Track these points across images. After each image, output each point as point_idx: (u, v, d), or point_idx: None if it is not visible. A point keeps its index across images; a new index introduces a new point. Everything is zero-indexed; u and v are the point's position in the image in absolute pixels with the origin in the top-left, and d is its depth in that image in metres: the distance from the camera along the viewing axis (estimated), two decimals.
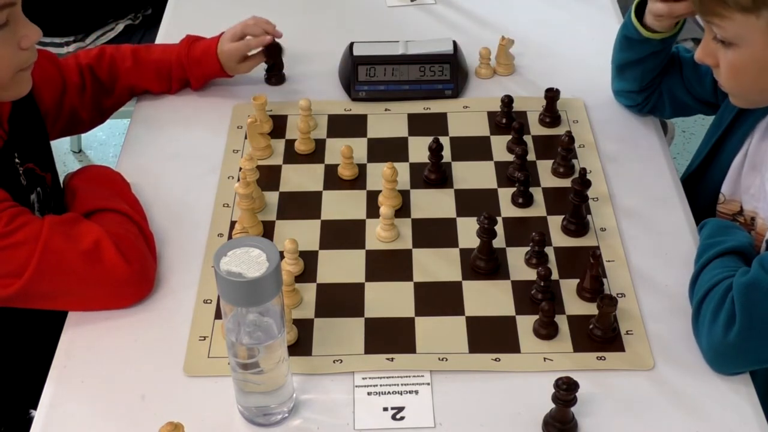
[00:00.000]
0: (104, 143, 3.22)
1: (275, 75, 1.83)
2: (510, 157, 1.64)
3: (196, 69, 1.75)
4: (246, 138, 1.70)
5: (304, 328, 1.37)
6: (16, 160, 1.44)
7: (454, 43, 1.83)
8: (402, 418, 1.27)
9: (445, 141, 1.70)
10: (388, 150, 1.69)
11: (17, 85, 1.40)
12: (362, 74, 1.79)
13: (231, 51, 1.73)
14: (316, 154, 1.68)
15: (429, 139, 1.69)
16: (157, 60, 1.75)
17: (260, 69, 1.84)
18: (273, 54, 1.82)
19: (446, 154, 1.67)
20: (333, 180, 1.63)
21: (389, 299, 1.42)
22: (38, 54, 1.47)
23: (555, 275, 1.44)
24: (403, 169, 1.63)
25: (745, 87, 1.42)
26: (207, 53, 1.74)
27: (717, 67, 1.41)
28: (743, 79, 1.39)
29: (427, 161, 1.63)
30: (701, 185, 1.63)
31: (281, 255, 1.38)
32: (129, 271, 1.37)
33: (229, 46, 1.74)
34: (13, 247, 1.32)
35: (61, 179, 1.61)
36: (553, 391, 1.21)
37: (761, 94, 1.42)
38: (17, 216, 1.33)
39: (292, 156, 1.68)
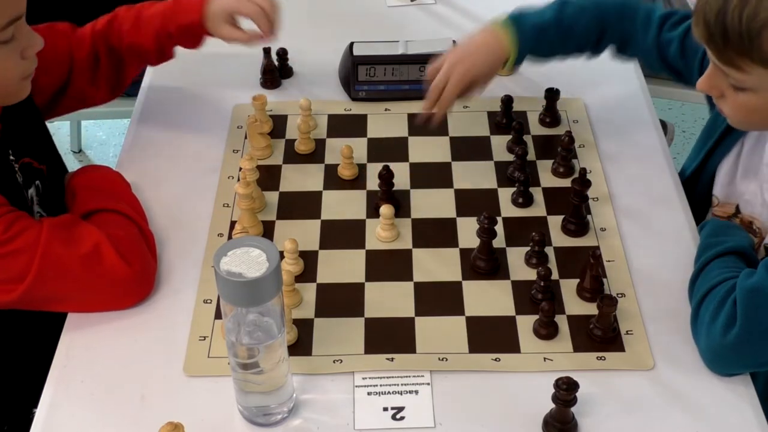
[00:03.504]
0: (104, 143, 3.22)
1: (269, 79, 1.83)
2: (510, 157, 1.64)
3: (178, 16, 1.64)
4: (246, 138, 1.70)
5: (304, 328, 1.37)
6: (11, 157, 1.43)
7: (454, 43, 1.82)
8: (402, 418, 1.27)
9: (445, 141, 1.70)
10: (388, 150, 1.69)
11: (18, 92, 1.40)
12: (362, 74, 1.79)
13: (217, 14, 1.62)
14: (316, 154, 1.68)
15: (429, 139, 1.70)
16: (152, 15, 1.65)
17: (257, 71, 1.84)
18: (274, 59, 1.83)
19: (446, 154, 1.67)
20: (333, 180, 1.63)
21: (389, 299, 1.42)
22: (52, 29, 1.49)
23: (555, 275, 1.44)
24: (403, 169, 1.63)
25: (753, 124, 1.40)
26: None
27: (721, 98, 1.37)
28: (753, 118, 1.37)
29: (427, 161, 1.63)
30: (696, 189, 1.62)
31: (281, 255, 1.38)
32: (129, 273, 1.37)
33: (220, 30, 1.62)
34: (13, 254, 1.32)
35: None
36: (553, 391, 1.21)
37: (764, 124, 1.41)
38: (15, 222, 1.33)
39: (292, 156, 1.68)
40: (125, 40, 1.64)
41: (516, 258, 1.48)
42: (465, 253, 1.48)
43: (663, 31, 1.59)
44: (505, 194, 1.59)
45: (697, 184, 1.62)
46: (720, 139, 1.55)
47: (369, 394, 1.30)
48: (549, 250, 1.48)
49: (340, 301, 1.42)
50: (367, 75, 1.79)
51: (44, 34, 1.55)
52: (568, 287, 1.43)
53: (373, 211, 1.55)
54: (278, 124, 1.74)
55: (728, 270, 1.34)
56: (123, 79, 1.69)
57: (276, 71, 1.84)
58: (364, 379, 1.31)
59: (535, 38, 1.59)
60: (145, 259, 1.41)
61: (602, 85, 1.81)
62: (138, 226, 1.45)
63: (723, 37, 1.26)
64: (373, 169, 1.64)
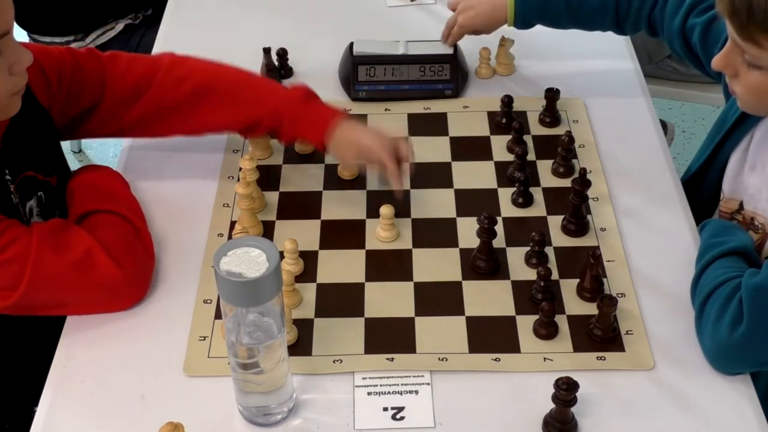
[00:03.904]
0: (104, 143, 3.22)
1: (270, 78, 1.83)
2: (510, 157, 1.64)
3: (299, 127, 1.55)
4: (246, 138, 1.70)
5: (304, 328, 1.37)
6: (7, 177, 1.42)
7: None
8: (402, 418, 1.27)
9: (445, 141, 1.70)
10: None
11: (7, 108, 1.36)
12: (362, 74, 1.79)
13: (341, 155, 1.55)
14: (316, 154, 1.68)
15: (429, 139, 1.69)
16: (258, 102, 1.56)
17: (258, 71, 1.84)
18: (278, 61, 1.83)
19: (446, 154, 1.67)
20: (333, 180, 1.63)
21: (389, 299, 1.42)
22: (91, 53, 1.50)
23: (555, 275, 1.44)
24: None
25: (763, 105, 1.40)
26: (320, 125, 1.53)
27: (735, 78, 1.37)
28: (764, 100, 1.37)
29: (427, 161, 1.63)
30: (704, 183, 1.62)
31: (281, 255, 1.38)
32: (122, 275, 1.37)
33: (345, 152, 1.53)
34: (4, 264, 1.32)
35: None
36: (553, 391, 1.21)
37: None
38: (5, 231, 1.32)
39: (292, 156, 1.68)
40: (201, 117, 1.57)
41: (516, 258, 1.48)
42: (465, 253, 1.48)
43: (690, 16, 1.61)
44: (505, 194, 1.59)
45: (704, 179, 1.62)
46: (730, 131, 1.55)
47: (369, 394, 1.30)
48: (549, 250, 1.48)
49: (340, 301, 1.42)
50: (367, 75, 1.79)
51: (78, 54, 1.52)
52: (568, 287, 1.43)
53: (373, 211, 1.55)
54: None
55: (731, 270, 1.34)
56: (164, 130, 1.61)
57: (276, 71, 1.84)
58: (364, 379, 1.31)
59: (538, 9, 1.71)
60: (139, 261, 1.41)
61: (602, 85, 1.81)
62: (134, 227, 1.44)
63: (747, 12, 1.27)
64: (373, 169, 1.64)
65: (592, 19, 1.71)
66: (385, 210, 1.49)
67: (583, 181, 1.49)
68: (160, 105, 1.56)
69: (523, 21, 1.74)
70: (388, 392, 1.30)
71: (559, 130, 1.70)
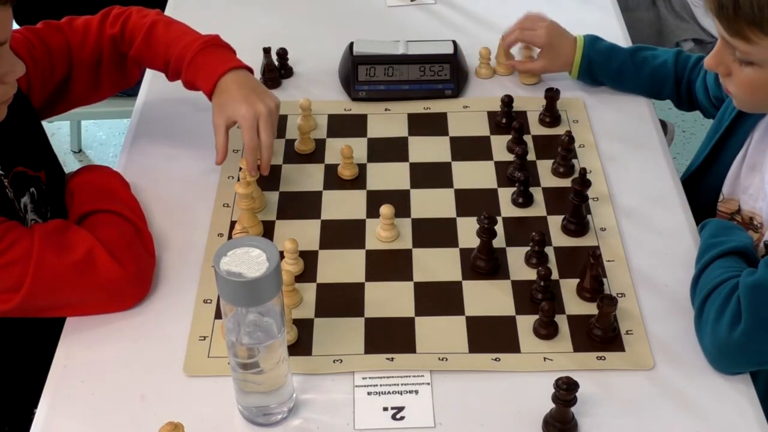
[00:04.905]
0: (104, 143, 3.22)
1: (269, 78, 1.83)
2: (510, 157, 1.64)
3: (191, 77, 1.59)
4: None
5: (304, 328, 1.37)
6: (0, 172, 1.43)
7: (454, 43, 1.83)
8: (402, 418, 1.27)
9: (445, 141, 1.70)
10: (388, 150, 1.69)
11: None
12: (362, 74, 1.79)
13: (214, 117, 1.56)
14: (316, 154, 1.68)
15: (429, 139, 1.69)
16: (167, 44, 1.60)
17: (257, 71, 1.84)
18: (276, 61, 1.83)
19: (446, 154, 1.67)
20: (333, 180, 1.63)
21: (389, 299, 1.42)
22: (48, 26, 1.53)
23: (555, 275, 1.44)
24: (403, 169, 1.64)
25: (758, 101, 1.41)
26: (206, 80, 1.56)
27: (728, 77, 1.39)
28: (758, 96, 1.39)
29: (427, 161, 1.63)
30: (703, 184, 1.63)
31: (281, 255, 1.38)
32: (125, 275, 1.37)
33: (216, 118, 1.55)
34: (6, 266, 1.32)
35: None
36: (553, 391, 1.21)
37: None
38: (6, 233, 1.32)
39: (292, 156, 1.68)
40: (134, 51, 1.62)
41: (516, 258, 1.48)
42: (465, 253, 1.48)
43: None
44: (505, 194, 1.59)
45: (704, 179, 1.62)
46: (728, 132, 1.56)
47: (369, 394, 1.30)
48: (549, 250, 1.48)
49: (340, 301, 1.42)
50: (367, 75, 1.79)
51: (42, 33, 1.55)
52: (568, 287, 1.43)
53: (373, 211, 1.55)
54: (278, 124, 1.73)
55: (730, 270, 1.34)
56: (128, 78, 1.69)
57: (276, 71, 1.85)
58: (364, 379, 1.31)
59: (604, 59, 1.75)
60: (141, 260, 1.41)
61: (602, 85, 1.81)
62: (134, 227, 1.44)
63: (734, 7, 1.29)
64: (373, 169, 1.64)
65: (654, 77, 1.74)
66: (385, 210, 1.49)
67: (583, 181, 1.49)
68: (120, 60, 1.63)
69: (588, 65, 1.76)
70: (388, 392, 1.30)
71: (559, 130, 1.70)
